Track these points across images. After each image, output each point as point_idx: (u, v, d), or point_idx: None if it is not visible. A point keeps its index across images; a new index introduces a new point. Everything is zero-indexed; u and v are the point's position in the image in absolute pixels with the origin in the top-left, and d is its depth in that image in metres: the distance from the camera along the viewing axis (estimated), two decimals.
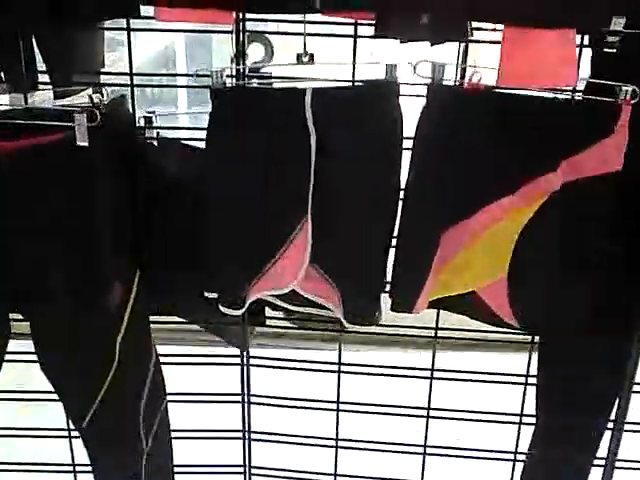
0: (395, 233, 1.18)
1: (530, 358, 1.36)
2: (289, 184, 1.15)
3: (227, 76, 1.15)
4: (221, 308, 1.24)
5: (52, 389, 1.31)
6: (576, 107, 1.13)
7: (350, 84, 1.18)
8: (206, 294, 1.27)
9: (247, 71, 1.20)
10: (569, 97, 1.16)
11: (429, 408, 1.48)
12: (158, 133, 1.27)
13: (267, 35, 1.48)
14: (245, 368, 1.43)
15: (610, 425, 1.35)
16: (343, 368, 1.45)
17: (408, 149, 1.12)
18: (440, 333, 1.41)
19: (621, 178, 1.05)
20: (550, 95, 1.10)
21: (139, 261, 1.29)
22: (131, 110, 1.23)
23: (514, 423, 1.46)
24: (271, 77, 1.23)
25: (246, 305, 1.24)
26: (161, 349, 1.40)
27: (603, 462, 1.44)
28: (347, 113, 1.10)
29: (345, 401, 1.48)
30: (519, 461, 1.49)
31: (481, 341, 1.43)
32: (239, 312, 1.24)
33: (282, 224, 1.19)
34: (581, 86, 1.13)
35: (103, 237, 1.18)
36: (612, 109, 1.03)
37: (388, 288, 1.22)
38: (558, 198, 1.08)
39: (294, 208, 1.17)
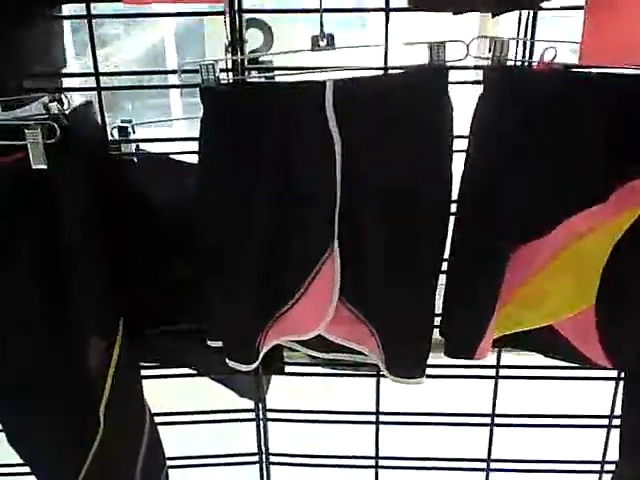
0: (446, 256, 0.94)
1: (615, 396, 1.11)
2: (309, 204, 0.90)
3: (221, 70, 0.89)
4: (229, 363, 0.99)
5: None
6: None
7: (383, 72, 0.91)
8: (209, 343, 1.02)
9: (246, 62, 0.93)
10: None
11: (493, 415, 1.20)
12: (137, 147, 1.01)
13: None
14: (261, 423, 1.18)
15: None
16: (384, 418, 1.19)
17: (461, 151, 0.87)
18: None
19: None
20: None
21: (123, 308, 1.03)
22: (100, 120, 0.96)
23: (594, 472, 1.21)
24: (277, 68, 0.96)
25: (259, 358, 0.99)
26: (158, 403, 1.15)
27: None
28: (381, 110, 0.84)
29: (385, 456, 1.22)
30: None
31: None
32: (251, 367, 0.98)
33: (302, 254, 0.94)
34: None
35: (74, 281, 0.93)
36: None
37: (439, 323, 0.97)
38: None
39: (317, 234, 0.92)
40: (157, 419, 1.16)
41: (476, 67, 0.88)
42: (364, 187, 0.87)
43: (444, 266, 0.94)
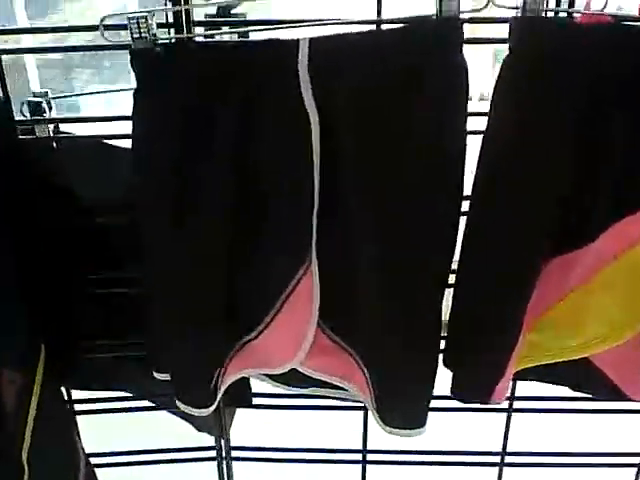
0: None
1: None
2: (278, 204, 0.68)
3: (159, 25, 0.67)
4: (179, 405, 0.78)
5: None
6: None
7: (375, 27, 0.69)
8: (155, 375, 0.81)
9: (193, 15, 0.70)
10: None
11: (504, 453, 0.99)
12: (57, 128, 0.78)
13: None
14: (224, 463, 0.97)
15: None
16: (370, 457, 0.98)
17: (476, 132, 0.65)
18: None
19: None
20: None
21: (42, 333, 0.81)
22: (2, 93, 0.72)
23: None
24: (236, 22, 0.73)
25: (218, 397, 0.78)
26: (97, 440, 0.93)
27: None
28: (373, 78, 0.62)
29: None
30: None
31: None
32: (206, 412, 0.77)
33: (272, 268, 0.72)
34: None
35: None
36: None
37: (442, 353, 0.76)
38: None
39: (289, 242, 0.70)
40: (95, 460, 0.94)
41: (499, 20, 0.66)
42: (350, 181, 0.65)
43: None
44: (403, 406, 0.75)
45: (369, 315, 0.72)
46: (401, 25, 0.62)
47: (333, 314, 0.74)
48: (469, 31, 0.62)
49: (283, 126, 0.64)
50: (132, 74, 0.65)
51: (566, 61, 0.61)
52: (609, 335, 0.71)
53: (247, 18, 0.76)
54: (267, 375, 0.83)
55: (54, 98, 0.76)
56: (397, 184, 0.65)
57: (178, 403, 0.77)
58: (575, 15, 0.65)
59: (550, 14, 0.64)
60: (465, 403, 0.75)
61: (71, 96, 0.77)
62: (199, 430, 0.98)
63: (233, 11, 0.94)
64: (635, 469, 0.96)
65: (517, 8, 0.61)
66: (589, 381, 0.77)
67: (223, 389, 0.79)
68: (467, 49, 0.61)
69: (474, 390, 0.73)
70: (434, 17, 0.61)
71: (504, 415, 0.92)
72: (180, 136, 0.65)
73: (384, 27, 0.68)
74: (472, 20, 0.63)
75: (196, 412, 0.77)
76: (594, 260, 0.68)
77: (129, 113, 0.66)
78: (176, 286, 0.72)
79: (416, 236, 0.67)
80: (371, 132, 0.63)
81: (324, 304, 0.73)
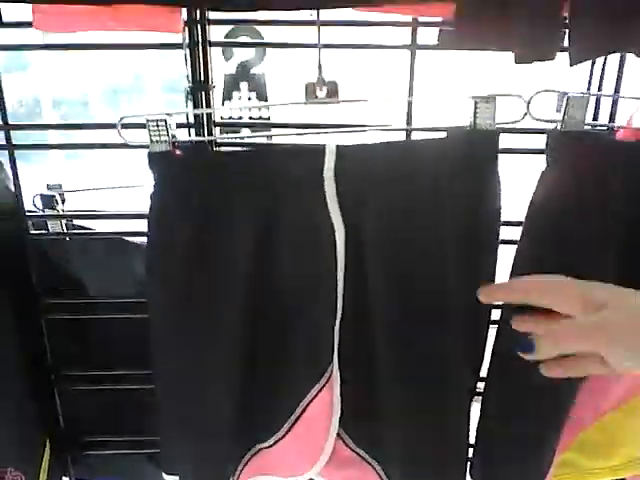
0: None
1: None
2: (301, 314, 0.65)
3: (178, 125, 0.64)
4: None
5: None
6: None
7: (406, 137, 0.66)
8: (164, 476, 0.76)
9: (214, 115, 0.67)
10: None
11: None
12: (70, 220, 0.75)
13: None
14: None
15: None
16: None
17: (509, 242, 0.62)
18: None
19: None
20: None
21: (48, 428, 0.78)
22: (14, 187, 0.70)
23: None
24: (255, 124, 0.70)
25: None
26: None
27: None
28: (402, 189, 0.59)
29: None
30: None
31: None
32: None
33: (291, 378, 0.68)
34: None
35: None
36: None
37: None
38: None
39: (311, 353, 0.67)
40: None
41: (534, 131, 0.63)
42: (375, 293, 0.62)
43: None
44: None
45: (393, 428, 0.68)
46: (433, 137, 0.59)
47: (355, 425, 0.70)
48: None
49: (306, 237, 0.61)
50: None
51: (605, 177, 0.57)
52: None
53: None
54: None
55: (68, 192, 0.73)
56: (425, 298, 0.62)
57: None
58: (617, 130, 0.62)
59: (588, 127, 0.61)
60: None
61: (84, 190, 0.74)
62: None
63: (252, 70, 0.92)
64: None
65: (555, 121, 0.58)
66: None
67: None
68: None
69: None
70: (468, 128, 0.58)
71: None
72: (196, 243, 0.62)
73: (414, 136, 0.66)
74: (506, 130, 0.59)
75: None
76: (629, 384, 0.64)
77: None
78: (188, 390, 0.69)
79: (444, 348, 0.64)
80: (397, 249, 0.60)
81: (345, 414, 0.69)
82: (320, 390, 0.68)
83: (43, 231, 0.73)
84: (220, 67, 1.44)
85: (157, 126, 0.60)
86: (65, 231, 0.73)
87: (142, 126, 0.61)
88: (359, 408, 0.69)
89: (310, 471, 0.72)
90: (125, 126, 0.63)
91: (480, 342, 0.65)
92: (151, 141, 0.61)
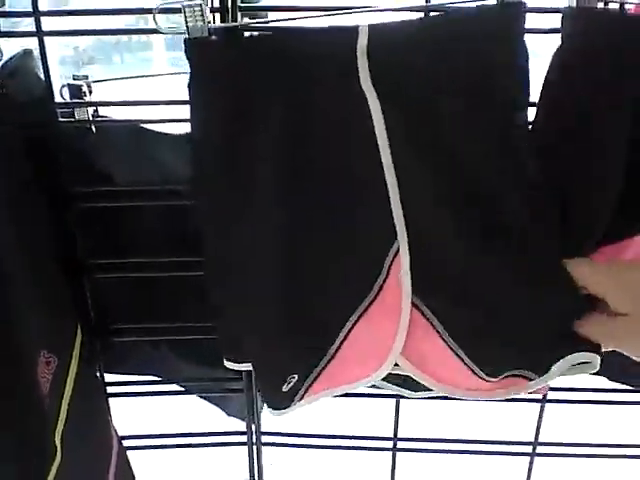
0: None
1: None
2: (352, 192, 0.66)
3: (212, 10, 0.66)
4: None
5: None
6: None
7: (435, 13, 0.67)
8: (226, 364, 0.77)
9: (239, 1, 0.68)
10: None
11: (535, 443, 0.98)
12: (96, 112, 0.77)
13: None
14: (255, 449, 0.97)
15: None
16: (401, 444, 0.98)
17: None
18: None
19: None
20: None
21: (79, 315, 0.82)
22: (45, 76, 0.72)
23: None
24: (280, 8, 0.71)
25: (296, 406, 0.75)
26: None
27: None
28: (432, 64, 0.61)
29: None
30: None
31: None
32: (279, 413, 0.75)
33: (350, 264, 0.68)
34: None
35: (14, 282, 0.70)
36: None
37: None
38: None
39: (371, 229, 0.67)
40: (129, 442, 0.95)
41: (550, 10, 0.65)
42: (421, 157, 0.63)
43: None
44: None
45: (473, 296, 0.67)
46: (462, 13, 0.61)
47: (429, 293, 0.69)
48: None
49: (341, 113, 0.63)
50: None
51: (619, 52, 0.60)
52: None
53: None
54: None
55: (95, 82, 0.75)
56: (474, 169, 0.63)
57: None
58: (628, 7, 0.64)
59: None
60: None
61: (111, 80, 0.76)
62: (229, 415, 0.98)
63: None
64: None
65: None
66: (627, 372, 0.77)
67: (306, 403, 0.75)
68: None
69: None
70: (495, 3, 0.60)
71: (537, 407, 0.92)
72: (236, 126, 0.63)
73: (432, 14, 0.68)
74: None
75: (271, 413, 0.74)
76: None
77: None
78: (241, 284, 0.69)
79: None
80: (430, 126, 0.62)
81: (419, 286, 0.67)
82: (388, 267, 0.67)
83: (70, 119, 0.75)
84: None
85: (193, 11, 0.61)
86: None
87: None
88: (434, 284, 0.67)
89: (385, 364, 0.70)
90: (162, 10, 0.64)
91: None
92: (187, 27, 0.62)
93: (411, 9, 0.69)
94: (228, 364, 0.76)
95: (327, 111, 0.63)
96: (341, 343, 0.71)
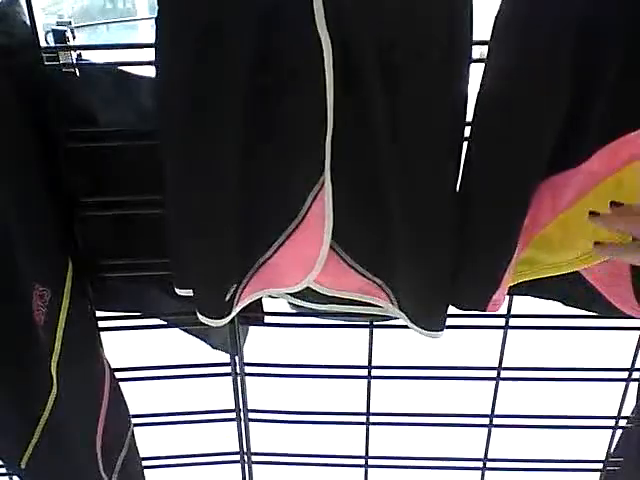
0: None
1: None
2: (291, 127, 0.72)
3: None
4: (200, 317, 0.84)
5: None
6: None
7: None
8: (177, 291, 0.87)
9: None
10: None
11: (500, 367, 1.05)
12: (79, 56, 0.82)
13: None
14: (239, 379, 1.04)
15: None
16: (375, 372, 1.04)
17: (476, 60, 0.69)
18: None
19: None
20: None
21: (70, 252, 0.88)
22: (30, 22, 0.76)
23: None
24: None
25: (234, 312, 0.84)
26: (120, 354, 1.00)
27: None
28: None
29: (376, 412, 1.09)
30: None
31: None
32: (223, 322, 0.83)
33: (284, 191, 0.77)
34: None
35: (3, 221, 0.76)
36: None
37: None
38: None
39: (302, 164, 0.75)
40: (118, 375, 1.02)
41: None
42: (363, 97, 0.68)
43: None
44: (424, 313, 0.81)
45: (384, 233, 0.76)
46: None
47: (347, 235, 0.79)
48: None
49: (293, 47, 0.67)
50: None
51: None
52: None
53: None
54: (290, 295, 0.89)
55: (77, 27, 0.79)
56: (406, 105, 0.68)
57: (199, 315, 0.83)
58: None
59: None
60: (463, 310, 0.80)
61: (94, 25, 0.81)
62: (213, 347, 1.05)
63: None
64: (624, 383, 1.03)
65: None
66: (581, 296, 0.83)
67: (241, 306, 0.85)
68: None
69: (473, 299, 0.79)
70: None
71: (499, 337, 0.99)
72: (200, 50, 0.67)
73: None
74: None
75: (212, 322, 0.82)
76: (585, 180, 0.73)
77: None
78: (193, 204, 0.76)
79: (423, 152, 0.70)
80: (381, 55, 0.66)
81: (338, 224, 0.77)
82: (313, 199, 0.76)
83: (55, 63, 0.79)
84: None
85: None
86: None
87: None
88: (351, 220, 0.77)
89: (307, 278, 0.82)
90: None
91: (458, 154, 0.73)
92: None
93: None
94: (178, 291, 0.85)
95: (280, 43, 0.67)
96: (273, 254, 0.82)
